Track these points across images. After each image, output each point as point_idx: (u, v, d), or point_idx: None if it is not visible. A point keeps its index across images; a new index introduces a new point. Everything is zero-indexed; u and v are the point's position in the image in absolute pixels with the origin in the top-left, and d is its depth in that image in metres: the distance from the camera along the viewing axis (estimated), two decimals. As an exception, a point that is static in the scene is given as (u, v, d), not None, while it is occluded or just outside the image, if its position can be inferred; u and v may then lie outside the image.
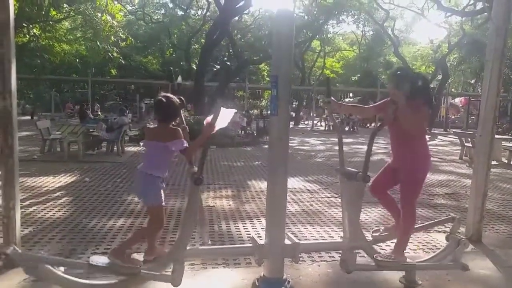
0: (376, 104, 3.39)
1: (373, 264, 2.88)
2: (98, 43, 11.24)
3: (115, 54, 12.58)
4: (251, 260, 3.60)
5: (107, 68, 39.90)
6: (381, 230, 3.40)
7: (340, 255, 3.76)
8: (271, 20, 30.10)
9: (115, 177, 7.47)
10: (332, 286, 3.23)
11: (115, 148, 10.29)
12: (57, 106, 27.62)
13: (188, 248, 2.67)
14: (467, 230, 4.36)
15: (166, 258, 2.60)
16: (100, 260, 2.58)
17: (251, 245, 2.81)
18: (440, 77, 27.52)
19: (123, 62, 18.35)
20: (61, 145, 9.82)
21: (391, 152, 3.31)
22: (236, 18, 23.70)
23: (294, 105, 34.26)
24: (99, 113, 23.53)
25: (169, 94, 2.82)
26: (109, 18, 10.94)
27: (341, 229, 4.66)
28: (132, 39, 15.53)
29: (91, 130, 10.22)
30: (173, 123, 2.78)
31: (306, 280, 3.29)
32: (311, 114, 29.41)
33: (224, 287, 3.14)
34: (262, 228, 4.66)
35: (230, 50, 33.64)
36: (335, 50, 45.35)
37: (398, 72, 3.25)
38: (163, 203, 2.74)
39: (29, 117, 24.40)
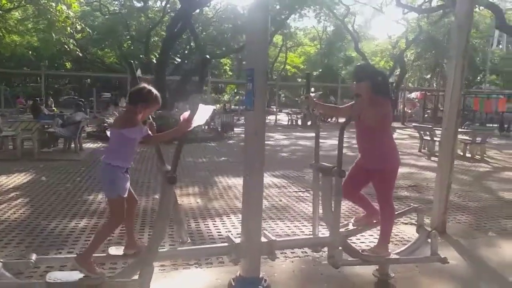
0: (349, 104, 3.38)
1: (359, 259, 2.88)
2: (53, 35, 10.61)
3: (71, 46, 11.92)
4: (224, 259, 3.52)
5: (61, 61, 38.22)
6: (351, 223, 3.41)
7: (311, 251, 3.80)
8: (234, 13, 29.90)
9: (74, 175, 7.12)
10: (307, 282, 3.21)
11: (73, 145, 9.82)
12: (7, 101, 26.10)
13: (161, 250, 2.55)
14: (432, 222, 4.48)
15: (136, 262, 2.46)
16: (58, 275, 2.38)
17: (226, 244, 2.72)
18: (398, 72, 28.41)
19: (80, 54, 17.52)
20: (13, 143, 9.25)
21: (358, 148, 3.30)
22: (198, 10, 23.29)
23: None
24: (53, 108, 22.45)
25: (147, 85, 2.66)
26: (64, 8, 10.36)
27: (310, 224, 4.73)
28: (90, 31, 14.81)
29: (46, 126, 9.69)
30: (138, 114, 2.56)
31: (281, 277, 3.25)
32: (275, 109, 29.50)
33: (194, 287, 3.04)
34: (232, 226, 4.60)
35: (191, 44, 33.14)
36: (297, 45, 45.80)
37: (360, 68, 3.28)
38: (125, 195, 2.52)
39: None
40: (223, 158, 10.17)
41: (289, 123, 24.18)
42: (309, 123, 21.98)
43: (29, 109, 15.36)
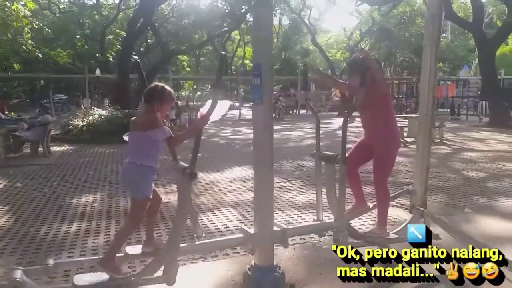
0: (346, 82, 3.57)
1: (362, 241, 3.06)
2: (9, 35, 10.07)
3: (30, 47, 11.37)
4: (228, 251, 3.61)
5: (8, 63, 36.18)
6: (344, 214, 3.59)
7: (310, 237, 3.97)
8: (194, 9, 29.53)
9: (49, 180, 6.89)
10: (314, 266, 3.35)
11: (41, 149, 9.45)
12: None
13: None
14: (414, 202, 4.75)
15: (158, 259, 2.50)
16: (86, 278, 2.39)
17: (241, 235, 2.81)
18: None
19: (40, 55, 16.65)
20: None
21: (364, 131, 3.49)
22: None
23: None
24: (6, 112, 21.31)
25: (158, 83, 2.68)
26: (20, 7, 9.83)
27: (301, 212, 4.91)
28: (49, 30, 14.19)
29: (10, 131, 9.24)
30: (155, 112, 2.59)
31: (288, 264, 3.38)
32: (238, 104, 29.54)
33: (211, 280, 3.11)
34: (226, 219, 4.68)
35: (148, 41, 32.54)
36: (254, 39, 45.93)
37: (352, 62, 3.44)
38: (150, 197, 2.57)
39: None
40: (199, 154, 10.13)
41: (253, 117, 24.30)
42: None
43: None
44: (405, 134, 11.71)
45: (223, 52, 12.90)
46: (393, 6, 27.71)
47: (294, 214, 4.83)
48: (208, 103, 2.49)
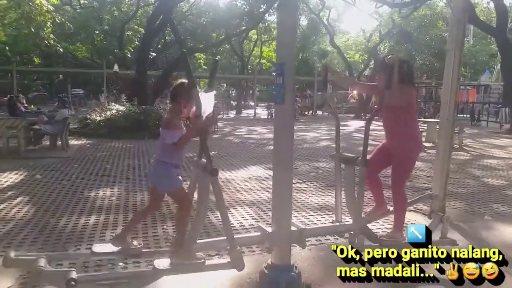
0: (371, 84, 3.54)
1: (379, 245, 3.03)
2: (32, 29, 10.27)
3: (52, 41, 11.59)
4: (244, 250, 3.60)
5: (29, 56, 36.88)
6: (363, 216, 3.56)
7: (326, 239, 3.95)
8: (212, 7, 29.63)
9: (68, 173, 7.01)
10: (330, 268, 3.31)
11: (59, 142, 9.62)
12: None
13: (198, 241, 2.63)
14: (433, 207, 4.70)
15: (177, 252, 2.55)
16: (165, 263, 2.53)
17: (259, 233, 2.81)
18: (372, 65, 29.01)
19: (61, 50, 17.00)
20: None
21: (385, 135, 3.46)
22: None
23: (233, 94, 34.33)
24: (25, 105, 21.73)
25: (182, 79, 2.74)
26: (43, 1, 10.03)
27: (316, 213, 4.89)
28: (71, 25, 14.43)
29: (31, 124, 9.42)
30: (183, 109, 2.66)
31: (304, 264, 3.37)
32: (253, 104, 29.60)
33: (227, 277, 3.11)
34: (242, 217, 4.69)
35: (166, 38, 32.73)
36: (272, 39, 45.91)
37: (392, 58, 3.37)
38: (181, 185, 2.71)
39: None
40: (212, 152, 10.19)
41: (269, 117, 24.31)
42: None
43: (6, 106, 14.81)
44: (424, 139, 11.55)
45: (218, 58, 13.00)
46: (414, 9, 27.36)
47: (310, 215, 4.81)
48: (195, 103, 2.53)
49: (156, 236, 4.01)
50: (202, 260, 2.57)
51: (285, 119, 2.74)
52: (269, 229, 2.80)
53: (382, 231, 4.03)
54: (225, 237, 2.63)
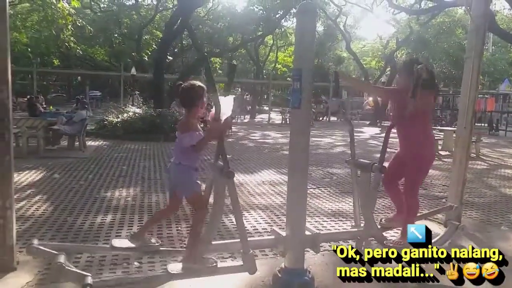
0: (386, 88, 3.54)
1: None
2: (53, 32, 10.54)
3: (72, 44, 11.89)
4: (257, 253, 3.63)
5: (48, 59, 37.72)
6: (382, 221, 3.56)
7: (339, 245, 3.94)
8: (230, 12, 29.85)
9: (85, 173, 7.14)
10: (342, 274, 3.33)
11: (77, 143, 9.80)
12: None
13: (213, 243, 2.67)
14: (449, 216, 4.65)
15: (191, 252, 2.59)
16: (178, 267, 2.59)
17: (273, 237, 2.84)
18: (389, 72, 28.80)
19: (81, 52, 17.38)
20: (17, 140, 9.18)
21: (399, 140, 3.45)
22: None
23: (248, 98, 34.41)
24: (44, 105, 22.23)
25: (192, 81, 2.77)
26: (65, 5, 10.29)
27: (330, 219, 4.88)
28: (91, 29, 14.76)
29: (50, 124, 9.64)
30: (200, 111, 2.71)
31: (316, 269, 3.36)
32: (268, 108, 29.63)
33: (240, 279, 3.13)
34: (255, 221, 4.72)
35: (183, 42, 33.13)
36: (287, 45, 45.97)
37: (408, 62, 3.37)
38: (200, 189, 2.76)
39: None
40: (228, 156, 10.24)
41: (283, 122, 24.31)
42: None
43: (26, 106, 15.18)
44: (440, 147, 11.42)
45: (234, 62, 13.14)
46: (432, 16, 27.10)
47: (324, 221, 4.80)
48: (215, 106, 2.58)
49: (171, 236, 4.06)
50: (214, 264, 2.59)
51: (301, 123, 2.77)
52: (283, 233, 2.83)
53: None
54: (239, 240, 2.65)
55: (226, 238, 3.95)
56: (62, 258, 2.32)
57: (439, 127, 16.02)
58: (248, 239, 2.72)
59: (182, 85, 2.75)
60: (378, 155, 3.28)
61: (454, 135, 12.41)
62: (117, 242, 2.75)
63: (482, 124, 22.48)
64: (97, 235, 4.02)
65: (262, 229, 4.42)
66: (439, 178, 7.75)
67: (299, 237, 2.78)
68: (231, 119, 2.68)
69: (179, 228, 4.32)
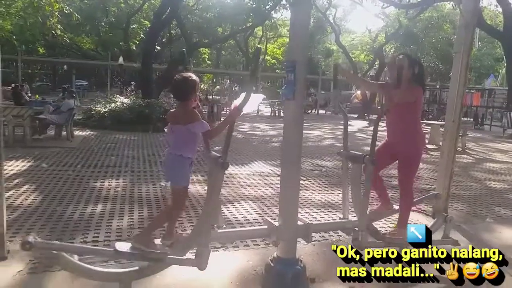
0: (380, 83, 3.58)
1: (382, 242, 3.08)
2: (40, 19, 10.30)
3: (59, 32, 11.64)
4: (249, 243, 3.67)
5: (33, 46, 36.91)
6: (368, 213, 3.60)
7: (330, 235, 4.01)
8: (220, 3, 29.57)
9: (73, 163, 7.07)
10: (333, 263, 3.35)
11: (64, 132, 9.68)
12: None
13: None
14: (436, 208, 4.74)
15: (189, 242, 2.58)
16: (125, 246, 2.49)
17: (266, 227, 2.87)
18: (377, 65, 28.99)
19: (68, 40, 17.01)
20: (4, 129, 9.02)
21: (387, 132, 3.50)
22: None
23: (236, 90, 34.28)
24: (29, 94, 21.80)
25: (185, 73, 2.74)
26: (50, -9, 10.10)
27: (320, 210, 4.94)
28: (78, 16, 14.47)
29: (37, 113, 9.48)
30: (193, 103, 2.70)
31: (308, 259, 3.41)
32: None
33: (232, 269, 3.17)
34: (246, 211, 4.74)
35: (172, 32, 32.71)
36: (277, 36, 45.88)
37: (403, 57, 3.41)
38: (187, 185, 2.72)
39: None
40: (216, 147, 10.23)
41: (272, 114, 24.35)
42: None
43: (11, 95, 14.89)
44: (427, 141, 11.57)
45: (259, 46, 13.01)
46: (421, 10, 27.28)
47: (314, 212, 4.86)
48: (242, 95, 2.55)
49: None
50: (163, 252, 2.49)
51: (295, 115, 2.79)
52: (276, 223, 2.85)
53: (385, 230, 4.08)
54: (196, 231, 2.59)
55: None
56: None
57: (426, 121, 16.23)
58: (242, 229, 2.75)
59: (176, 78, 2.72)
60: (366, 148, 3.32)
61: (441, 129, 12.62)
62: (121, 246, 2.55)
63: (468, 119, 22.82)
64: (87, 225, 4.01)
65: (253, 219, 4.45)
66: (426, 171, 7.88)
67: (292, 227, 2.81)
68: (239, 112, 2.62)
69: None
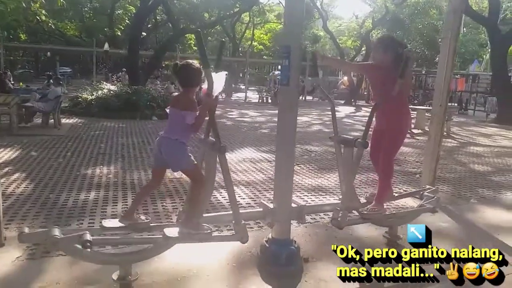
0: (361, 63, 3.65)
1: (359, 218, 3.18)
2: (23, 3, 10.05)
3: (43, 17, 11.37)
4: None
5: (15, 33, 35.98)
6: (368, 195, 3.71)
7: (321, 217, 4.12)
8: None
9: (63, 150, 7.04)
10: (324, 244, 3.49)
11: (51, 120, 9.58)
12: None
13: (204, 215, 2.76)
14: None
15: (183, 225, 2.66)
16: (174, 231, 2.62)
17: (261, 209, 2.94)
18: (364, 51, 29.08)
19: (53, 26, 16.61)
20: (-12, 118, 8.91)
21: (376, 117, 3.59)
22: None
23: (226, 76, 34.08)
24: (12, 82, 21.37)
25: (190, 60, 2.77)
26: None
27: (310, 194, 5.05)
28: (63, 1, 14.15)
29: (23, 101, 9.35)
30: (196, 89, 2.74)
31: (300, 240, 3.49)
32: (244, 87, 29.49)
33: (228, 251, 3.25)
34: (239, 196, 4.80)
35: (158, 17, 32.26)
36: (264, 22, 45.52)
37: (387, 39, 3.48)
38: (195, 162, 2.76)
39: None
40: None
41: (260, 100, 24.34)
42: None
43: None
44: (413, 126, 11.77)
45: (224, 39, 12.95)
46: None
47: (304, 195, 4.97)
48: (205, 81, 2.61)
49: (157, 212, 4.12)
50: (209, 231, 2.67)
51: (290, 100, 2.84)
52: (271, 205, 2.93)
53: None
54: (231, 212, 2.74)
55: (219, 211, 4.08)
56: (57, 231, 2.34)
57: (411, 106, 16.46)
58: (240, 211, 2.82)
59: (182, 64, 2.73)
60: (354, 133, 3.40)
61: (427, 114, 12.83)
62: (108, 223, 2.75)
63: (453, 104, 23.19)
64: (82, 212, 4.04)
65: (246, 203, 4.54)
66: (412, 155, 8.06)
67: (286, 209, 2.89)
68: (211, 96, 2.66)
69: (164, 204, 4.39)
